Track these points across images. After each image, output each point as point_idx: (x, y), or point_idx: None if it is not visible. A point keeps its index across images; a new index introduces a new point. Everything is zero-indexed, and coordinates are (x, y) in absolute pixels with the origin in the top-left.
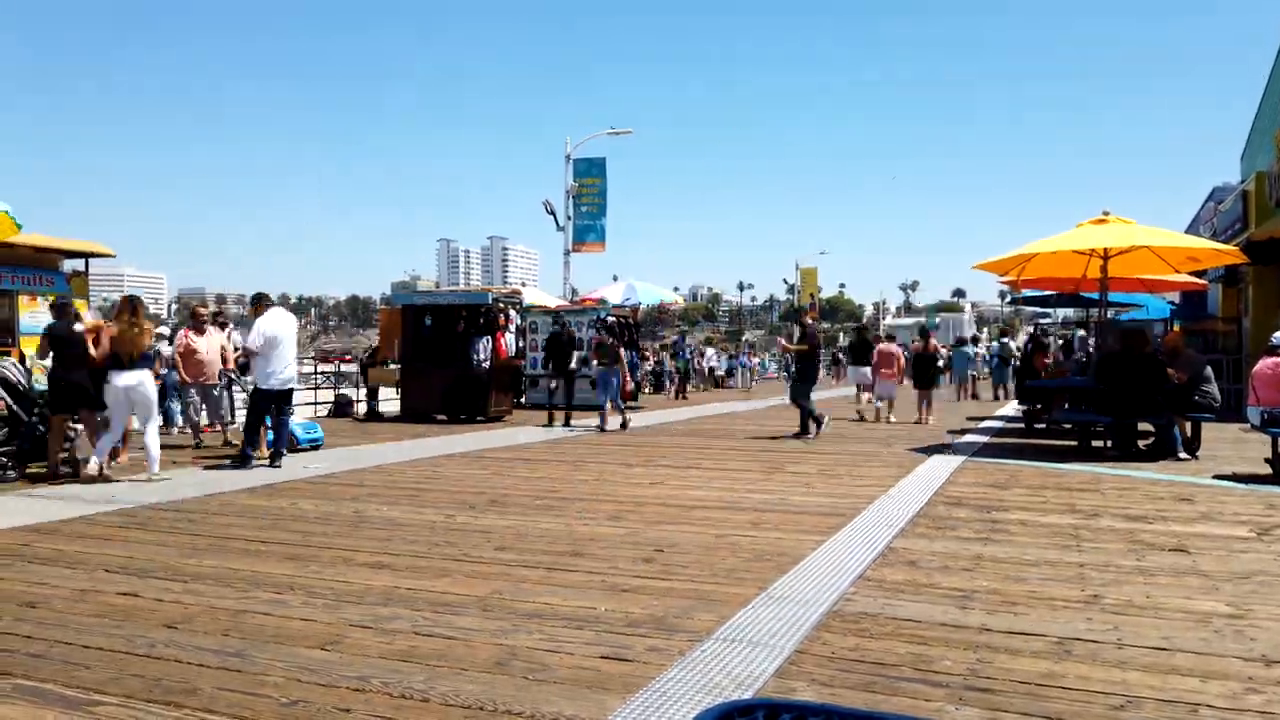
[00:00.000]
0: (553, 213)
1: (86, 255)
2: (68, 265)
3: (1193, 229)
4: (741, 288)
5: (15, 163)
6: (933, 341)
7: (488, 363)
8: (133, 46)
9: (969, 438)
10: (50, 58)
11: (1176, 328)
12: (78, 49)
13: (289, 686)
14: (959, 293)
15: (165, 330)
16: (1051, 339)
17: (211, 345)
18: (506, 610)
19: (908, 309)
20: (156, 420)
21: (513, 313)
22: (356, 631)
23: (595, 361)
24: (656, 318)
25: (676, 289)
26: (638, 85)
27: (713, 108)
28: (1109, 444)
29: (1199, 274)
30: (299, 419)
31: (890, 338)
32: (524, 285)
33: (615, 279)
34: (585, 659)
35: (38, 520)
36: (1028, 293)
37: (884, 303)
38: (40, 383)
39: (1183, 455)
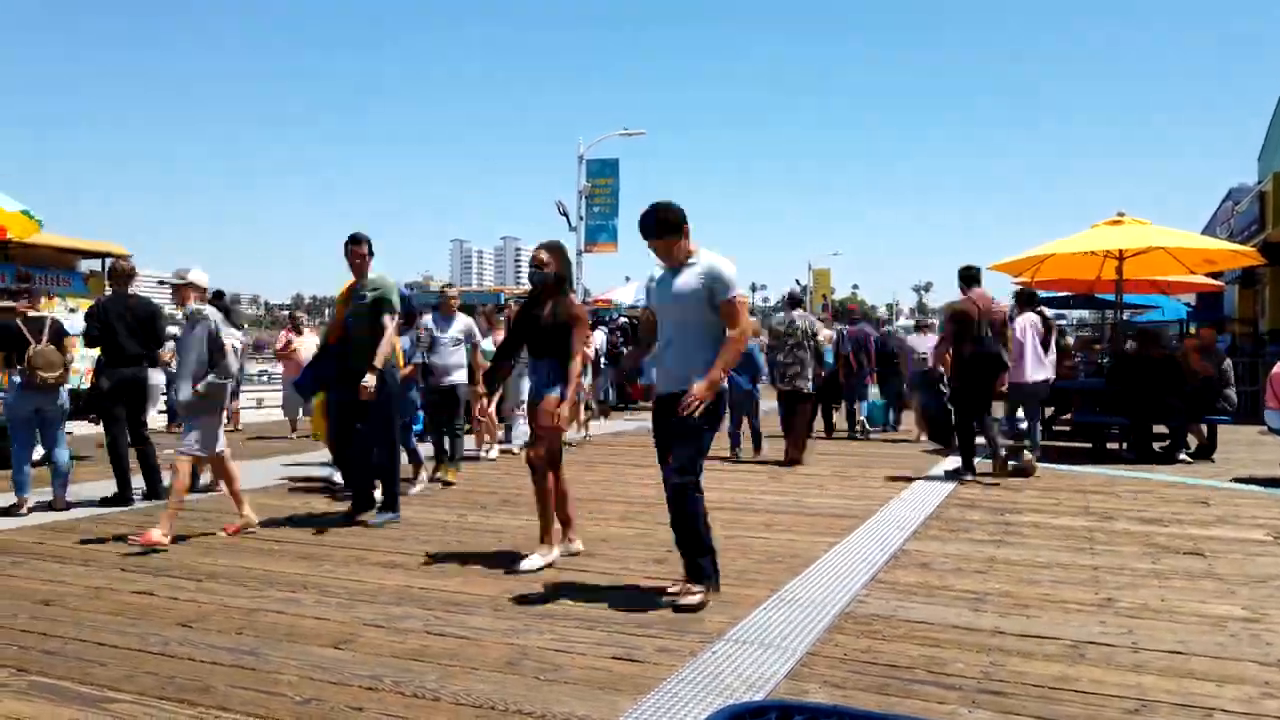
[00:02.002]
0: (565, 213)
1: (103, 255)
2: (84, 265)
3: (1209, 230)
4: (754, 288)
5: (32, 163)
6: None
7: None
8: (144, 48)
9: (981, 440)
10: (63, 59)
11: (1194, 329)
12: (89, 51)
13: (302, 685)
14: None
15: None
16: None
17: (307, 345)
18: (518, 610)
19: (921, 310)
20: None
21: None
22: (369, 630)
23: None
24: None
25: None
26: (650, 86)
27: (724, 108)
28: (1124, 446)
29: (1215, 275)
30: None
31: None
32: None
33: (627, 280)
34: (596, 659)
35: (54, 518)
36: (1042, 294)
37: (897, 303)
38: None
39: (1181, 458)
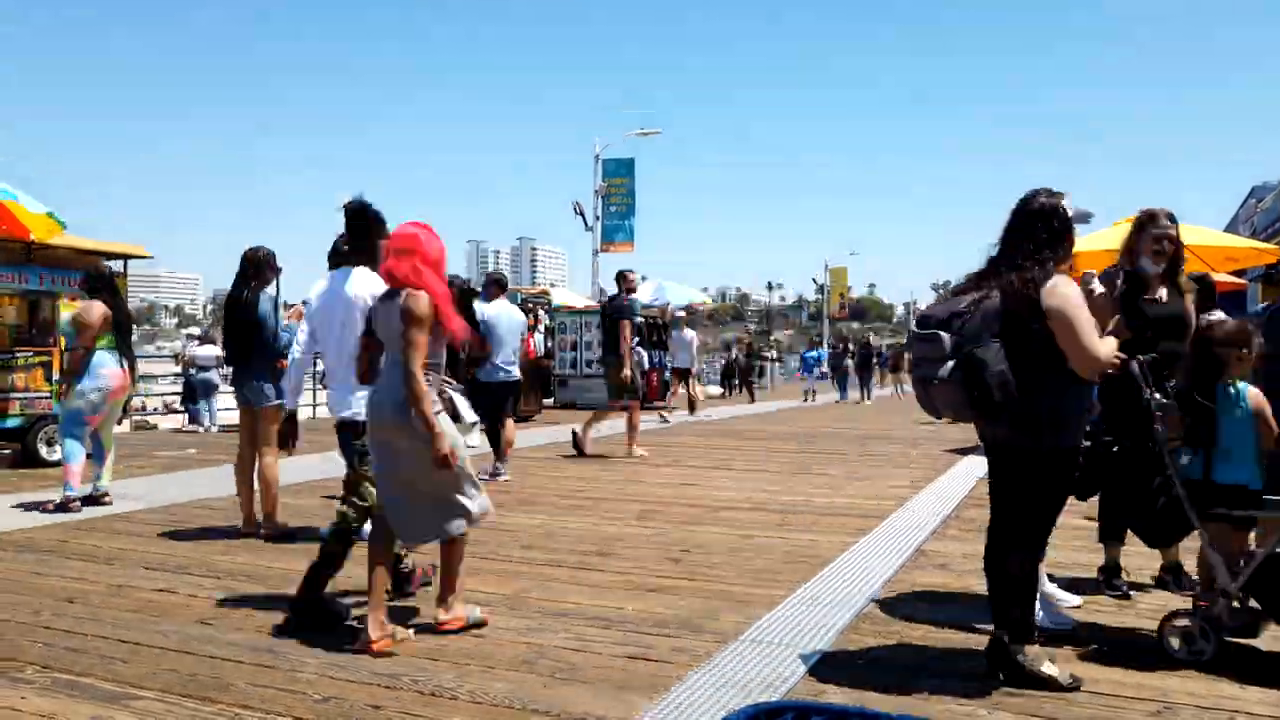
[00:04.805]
0: (581, 213)
1: (125, 257)
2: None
3: (1231, 228)
4: (770, 287)
5: (51, 164)
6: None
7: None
8: (144, 36)
9: None
10: (86, 63)
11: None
12: (108, 53)
13: (321, 683)
14: None
15: (194, 330)
16: None
17: None
18: (534, 609)
19: None
20: None
21: (542, 313)
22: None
23: None
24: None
25: (705, 289)
26: (666, 83)
27: (741, 105)
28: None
29: (1238, 274)
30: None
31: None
32: (552, 286)
33: (644, 279)
34: (612, 659)
35: (78, 518)
36: None
37: (915, 303)
38: None
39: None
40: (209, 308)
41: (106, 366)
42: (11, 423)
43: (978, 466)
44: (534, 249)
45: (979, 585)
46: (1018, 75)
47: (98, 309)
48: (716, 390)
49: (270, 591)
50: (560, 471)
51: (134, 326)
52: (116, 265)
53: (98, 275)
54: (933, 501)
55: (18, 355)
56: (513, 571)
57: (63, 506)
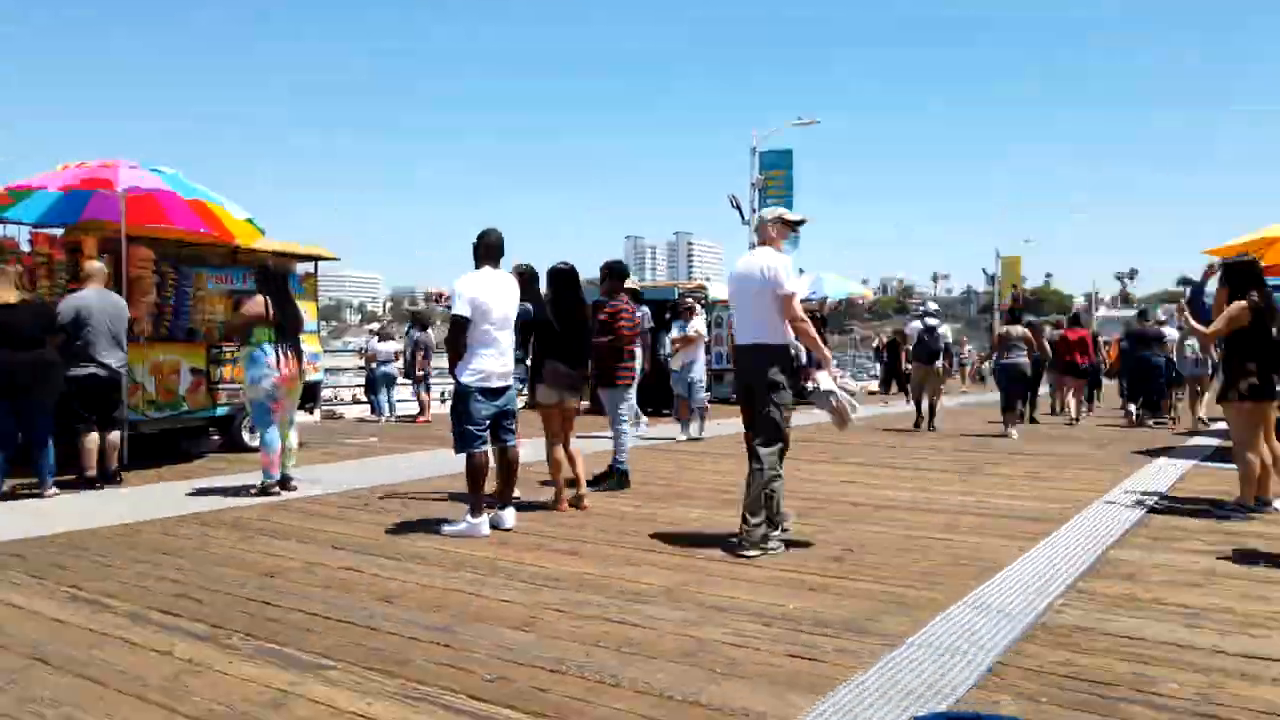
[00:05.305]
0: (738, 206)
1: (315, 259)
2: (300, 268)
3: None
4: (935, 279)
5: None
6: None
7: None
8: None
9: (1198, 440)
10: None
11: None
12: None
13: (491, 663)
14: (1186, 282)
15: (375, 327)
16: None
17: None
18: (693, 602)
19: (1124, 300)
20: None
21: (699, 307)
22: (551, 614)
23: None
24: (845, 311)
25: (865, 281)
26: (825, 72)
27: (899, 91)
28: None
29: None
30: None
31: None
32: (708, 280)
33: (801, 272)
34: (772, 656)
35: (277, 500)
36: (1272, 280)
37: (1096, 293)
38: None
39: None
40: (388, 305)
41: (269, 357)
42: (220, 411)
43: (1169, 468)
44: (690, 243)
45: (1171, 596)
46: (1214, 54)
47: (256, 302)
48: (873, 386)
49: (445, 573)
50: (717, 466)
51: (321, 323)
52: (308, 266)
53: (264, 270)
54: (1119, 506)
55: (225, 350)
56: (672, 564)
57: (264, 491)
